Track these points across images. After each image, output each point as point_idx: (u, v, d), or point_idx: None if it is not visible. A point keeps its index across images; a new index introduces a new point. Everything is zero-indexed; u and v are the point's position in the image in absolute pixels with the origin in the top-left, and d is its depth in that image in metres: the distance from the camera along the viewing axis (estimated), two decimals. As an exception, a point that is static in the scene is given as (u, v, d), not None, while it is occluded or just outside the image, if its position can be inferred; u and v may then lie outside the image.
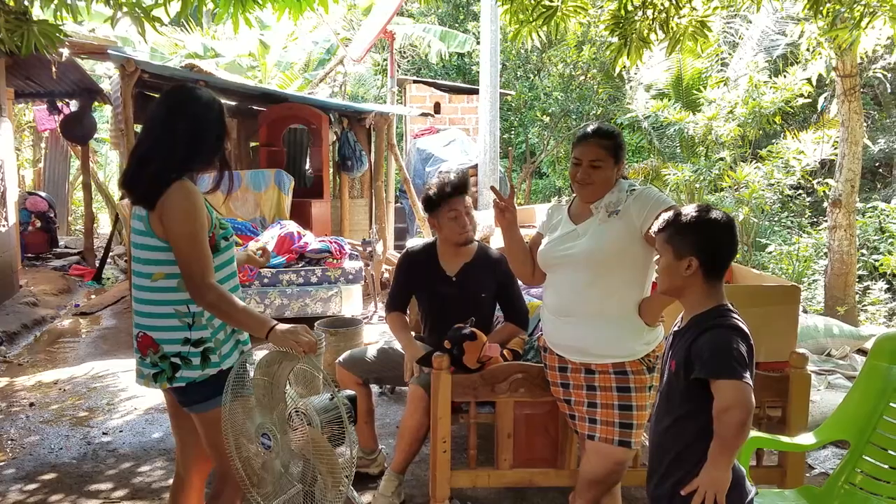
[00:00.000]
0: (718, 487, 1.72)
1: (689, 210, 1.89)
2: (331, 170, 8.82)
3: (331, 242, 6.26)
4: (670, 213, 1.93)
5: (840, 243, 5.60)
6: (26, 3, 3.23)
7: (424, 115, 10.26)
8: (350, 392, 2.76)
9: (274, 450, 2.01)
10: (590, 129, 2.42)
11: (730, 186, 6.93)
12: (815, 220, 8.53)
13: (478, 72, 9.64)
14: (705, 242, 1.85)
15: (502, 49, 9.69)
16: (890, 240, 7.09)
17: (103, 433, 3.86)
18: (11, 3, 3.18)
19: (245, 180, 7.10)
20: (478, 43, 10.68)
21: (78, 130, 8.94)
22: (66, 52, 6.25)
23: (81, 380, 4.80)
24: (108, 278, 8.56)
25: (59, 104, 9.15)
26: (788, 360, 2.78)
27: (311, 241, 6.26)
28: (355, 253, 6.58)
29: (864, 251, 7.08)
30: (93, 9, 3.52)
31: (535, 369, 2.68)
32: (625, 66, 4.12)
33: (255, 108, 8.70)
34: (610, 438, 2.33)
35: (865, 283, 6.93)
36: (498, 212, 2.52)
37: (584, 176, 2.36)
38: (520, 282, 3.14)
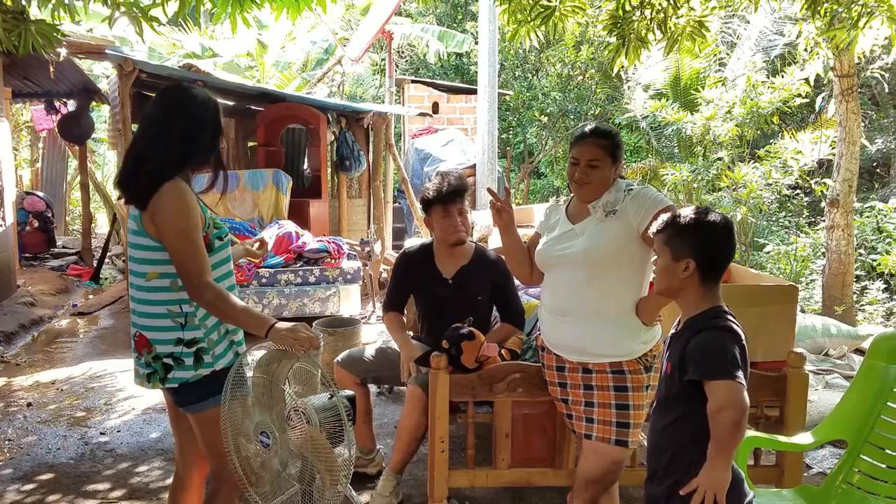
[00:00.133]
0: (717, 488, 1.72)
1: (688, 212, 1.89)
2: (329, 170, 8.82)
3: (329, 242, 6.27)
4: (669, 215, 1.93)
5: (838, 243, 5.61)
6: (24, 2, 3.23)
7: (422, 114, 10.27)
8: (349, 392, 2.75)
9: (272, 448, 2.01)
10: (587, 128, 2.42)
11: (728, 186, 6.93)
12: (812, 219, 8.55)
13: (476, 72, 9.65)
14: (704, 244, 1.85)
15: (500, 49, 9.69)
16: (887, 239, 7.10)
17: (101, 433, 3.85)
18: (9, 3, 3.18)
19: (243, 180, 7.10)
20: (476, 43, 10.69)
21: (76, 130, 8.94)
22: (63, 51, 6.24)
23: (79, 380, 4.79)
24: (106, 278, 8.55)
25: (57, 104, 9.14)
26: (786, 359, 2.79)
27: (310, 240, 6.26)
28: (353, 253, 6.58)
29: (861, 251, 7.09)
30: (90, 8, 3.52)
31: (533, 369, 2.68)
32: (623, 66, 4.13)
33: (253, 107, 8.69)
34: (607, 438, 2.34)
35: (863, 283, 6.94)
36: (495, 213, 2.53)
37: (582, 176, 2.36)
38: (518, 282, 3.14)
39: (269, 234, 6.18)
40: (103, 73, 10.80)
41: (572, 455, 2.76)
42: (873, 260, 6.81)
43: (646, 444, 2.10)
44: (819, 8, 3.57)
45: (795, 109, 8.34)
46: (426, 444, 2.85)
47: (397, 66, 12.77)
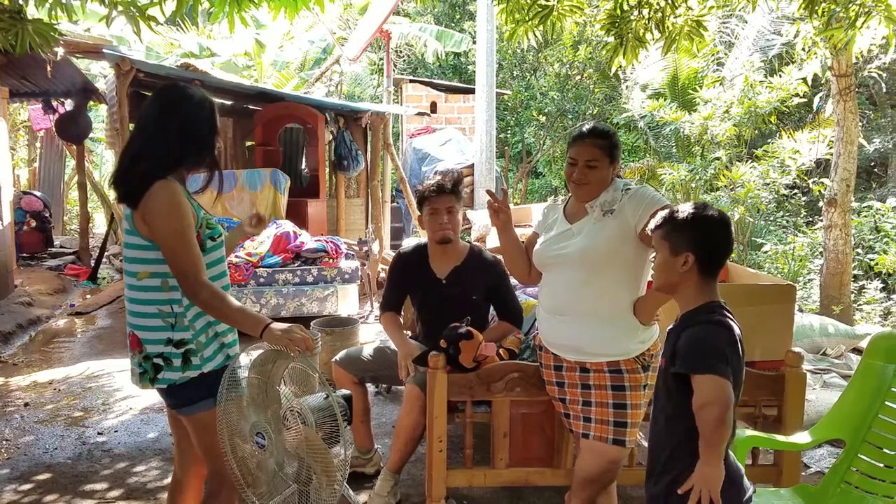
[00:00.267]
0: (710, 484, 1.71)
1: (686, 207, 1.90)
2: (327, 169, 8.82)
3: (327, 242, 6.26)
4: (667, 210, 1.94)
5: (835, 242, 5.62)
6: (21, 1, 3.22)
7: (421, 114, 10.27)
8: (346, 391, 2.75)
9: (268, 449, 2.01)
10: (585, 128, 2.42)
11: (725, 186, 6.94)
12: (810, 219, 8.56)
13: (474, 71, 9.65)
14: (702, 238, 1.85)
15: (498, 48, 9.71)
16: (885, 239, 7.11)
17: (98, 433, 3.85)
18: (6, 2, 3.18)
19: (241, 180, 7.09)
20: (474, 42, 10.68)
21: (73, 130, 8.92)
22: (60, 51, 6.23)
23: (76, 380, 4.78)
24: (104, 278, 8.54)
25: (55, 103, 9.11)
26: (784, 359, 2.79)
27: (308, 240, 6.25)
28: (351, 252, 6.58)
29: (859, 250, 7.10)
30: (88, 8, 3.52)
31: (531, 368, 2.68)
32: (621, 66, 4.13)
33: (250, 107, 8.68)
34: (604, 437, 2.34)
35: (861, 283, 6.96)
36: (492, 213, 2.54)
37: (580, 176, 2.36)
38: (516, 281, 3.14)
39: (267, 234, 6.18)
40: (101, 73, 10.77)
41: (570, 454, 2.76)
42: (871, 259, 6.83)
43: (644, 443, 2.10)
44: (817, 7, 3.58)
45: (793, 109, 8.35)
46: (424, 444, 2.85)
47: (395, 65, 12.76)
